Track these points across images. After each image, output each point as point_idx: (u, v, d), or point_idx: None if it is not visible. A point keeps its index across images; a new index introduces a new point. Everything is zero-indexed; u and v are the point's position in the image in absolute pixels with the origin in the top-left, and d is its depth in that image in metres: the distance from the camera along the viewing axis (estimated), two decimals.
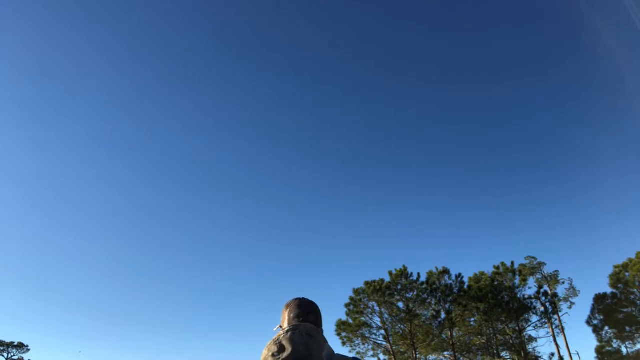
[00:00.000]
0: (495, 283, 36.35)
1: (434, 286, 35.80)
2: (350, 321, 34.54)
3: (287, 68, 79.13)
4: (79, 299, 68.25)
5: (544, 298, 36.31)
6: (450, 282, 36.33)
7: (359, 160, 73.65)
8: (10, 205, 75.70)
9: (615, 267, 37.36)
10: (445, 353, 36.13)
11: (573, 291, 36.76)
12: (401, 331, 35.80)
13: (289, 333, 1.53)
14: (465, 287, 36.39)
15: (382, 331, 35.82)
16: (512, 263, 36.94)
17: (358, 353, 34.62)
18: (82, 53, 74.38)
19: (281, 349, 1.51)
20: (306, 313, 1.80)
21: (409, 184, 72.12)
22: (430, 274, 36.24)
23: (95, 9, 71.80)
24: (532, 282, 37.39)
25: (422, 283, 35.78)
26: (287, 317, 1.82)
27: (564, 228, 61.22)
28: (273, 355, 1.52)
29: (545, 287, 37.07)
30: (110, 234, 77.31)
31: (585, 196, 61.64)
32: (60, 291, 69.48)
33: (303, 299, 1.88)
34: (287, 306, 1.85)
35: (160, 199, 78.53)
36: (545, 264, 38.09)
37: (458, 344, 36.10)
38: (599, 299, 38.97)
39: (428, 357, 37.03)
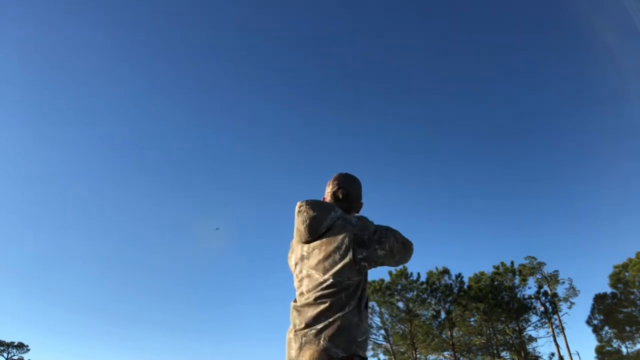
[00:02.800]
0: (495, 283, 36.35)
1: (434, 286, 35.82)
2: None
3: (288, 66, 79.16)
4: (79, 299, 68.26)
5: (543, 298, 36.32)
6: (450, 282, 36.37)
7: (357, 158, 73.73)
8: (10, 204, 75.76)
9: (615, 267, 37.37)
10: (445, 353, 36.13)
11: (573, 291, 36.71)
12: (401, 331, 35.81)
13: (303, 207, 1.91)
14: (465, 287, 36.41)
15: (382, 331, 35.87)
16: (512, 263, 36.95)
17: None
18: (89, 50, 74.38)
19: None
20: (337, 188, 2.05)
21: (408, 182, 72.16)
22: (430, 274, 36.26)
23: (107, 6, 71.85)
24: (532, 282, 37.36)
25: (422, 283, 35.82)
26: (327, 189, 2.10)
27: (564, 228, 61.10)
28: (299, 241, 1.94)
29: (545, 287, 37.04)
30: (111, 233, 77.35)
31: (585, 196, 61.58)
32: (60, 291, 69.47)
33: (341, 175, 2.11)
34: (330, 180, 2.11)
35: (163, 198, 78.55)
36: (545, 264, 38.04)
37: (458, 344, 36.11)
38: (599, 299, 38.99)
39: (428, 357, 37.04)
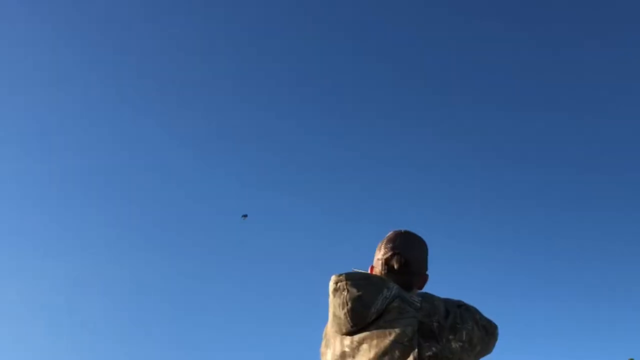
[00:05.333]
0: None
1: None
2: None
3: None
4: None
5: None
6: None
7: (356, 157, 73.48)
8: (11, 203, 75.55)
9: None
10: None
11: None
12: None
13: (342, 283, 1.36)
14: None
15: None
16: None
17: None
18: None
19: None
20: (390, 255, 1.46)
21: (407, 182, 71.85)
22: None
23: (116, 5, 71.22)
24: None
25: None
26: (378, 254, 1.55)
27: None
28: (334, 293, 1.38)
29: None
30: (112, 233, 76.96)
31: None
32: None
33: (399, 235, 1.53)
34: (382, 242, 1.54)
35: (163, 197, 78.24)
36: None
37: None
38: None
39: None
